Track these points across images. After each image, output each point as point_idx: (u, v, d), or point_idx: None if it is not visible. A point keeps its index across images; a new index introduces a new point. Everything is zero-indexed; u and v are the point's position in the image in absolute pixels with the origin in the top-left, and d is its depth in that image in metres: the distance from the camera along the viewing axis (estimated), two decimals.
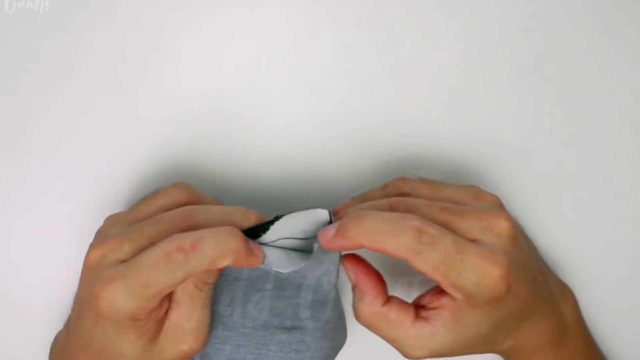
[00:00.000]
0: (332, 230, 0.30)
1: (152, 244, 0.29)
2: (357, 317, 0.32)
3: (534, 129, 0.40)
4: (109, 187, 0.38)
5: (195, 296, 0.31)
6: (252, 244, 0.31)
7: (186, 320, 0.31)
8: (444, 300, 0.31)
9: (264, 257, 0.31)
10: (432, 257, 0.29)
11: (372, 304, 0.31)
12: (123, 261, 0.30)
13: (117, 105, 0.38)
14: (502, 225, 0.31)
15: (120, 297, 0.28)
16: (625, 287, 0.41)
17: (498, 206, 0.34)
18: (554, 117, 0.40)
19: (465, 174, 0.40)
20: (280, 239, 0.33)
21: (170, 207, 0.33)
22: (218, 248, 0.28)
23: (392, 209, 0.32)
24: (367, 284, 0.32)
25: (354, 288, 0.32)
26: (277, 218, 0.33)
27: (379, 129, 0.39)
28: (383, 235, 0.29)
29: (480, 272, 0.29)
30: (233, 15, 0.38)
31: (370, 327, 0.32)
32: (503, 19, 0.39)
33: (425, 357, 0.31)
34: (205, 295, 0.31)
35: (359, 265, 0.32)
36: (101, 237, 0.33)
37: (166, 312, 0.31)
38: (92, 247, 0.31)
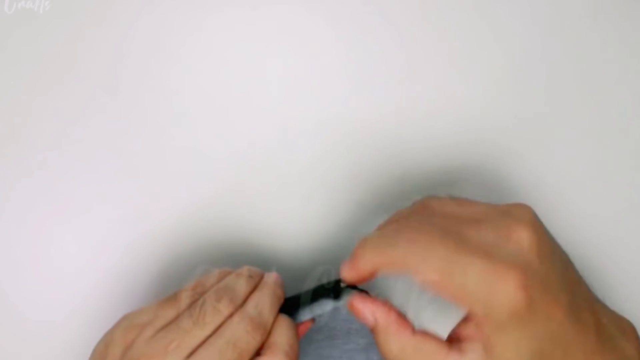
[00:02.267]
0: (345, 268, 0.30)
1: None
2: (387, 355, 0.30)
3: (534, 129, 0.40)
4: (110, 187, 0.38)
5: None
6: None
7: None
8: (472, 328, 0.28)
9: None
10: (432, 260, 0.28)
11: (400, 336, 0.29)
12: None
13: (117, 105, 0.38)
14: (522, 235, 0.28)
15: None
16: None
17: (524, 217, 0.29)
18: (554, 117, 0.40)
19: (465, 173, 0.40)
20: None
21: None
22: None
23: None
24: (387, 317, 0.30)
25: (374, 329, 0.30)
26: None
27: (378, 128, 0.39)
28: (380, 249, 0.29)
29: (489, 275, 0.27)
30: (233, 14, 0.38)
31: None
32: (503, 19, 0.39)
33: None
34: None
35: (370, 301, 0.31)
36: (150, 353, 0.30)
37: None
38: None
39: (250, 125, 0.39)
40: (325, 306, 0.32)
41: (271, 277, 0.33)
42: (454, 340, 0.29)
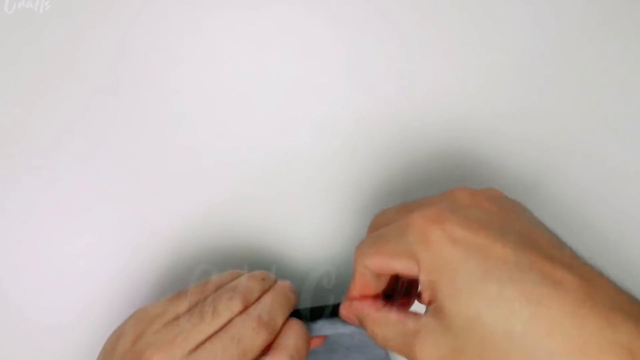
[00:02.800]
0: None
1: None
2: (375, 340, 0.31)
3: (534, 129, 0.40)
4: (111, 187, 0.38)
5: None
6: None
7: None
8: (425, 295, 0.28)
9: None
10: (368, 248, 0.30)
11: (371, 314, 0.31)
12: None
13: (117, 105, 0.38)
14: (452, 193, 0.31)
15: None
16: None
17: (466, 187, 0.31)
18: (554, 117, 0.40)
19: (465, 173, 0.40)
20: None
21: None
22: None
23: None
24: (362, 307, 0.31)
25: (361, 324, 0.32)
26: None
27: (378, 128, 0.39)
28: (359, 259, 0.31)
29: (401, 230, 0.29)
30: (233, 14, 0.38)
31: (373, 337, 0.31)
32: (503, 19, 0.39)
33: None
34: None
35: (349, 305, 0.32)
36: (156, 343, 0.30)
37: None
38: (152, 355, 0.30)
39: (250, 125, 0.39)
40: (346, 327, 0.33)
41: (284, 282, 0.34)
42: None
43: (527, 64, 0.39)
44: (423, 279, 0.28)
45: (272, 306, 0.32)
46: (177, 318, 0.31)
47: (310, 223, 0.40)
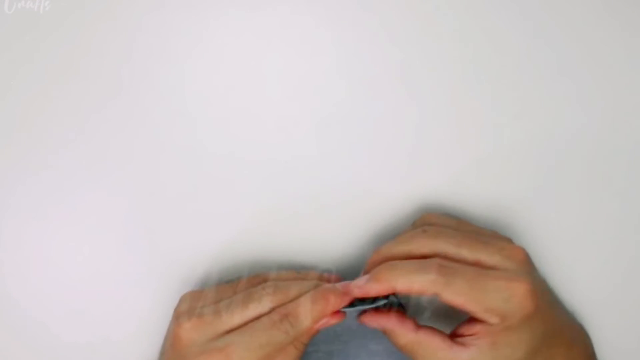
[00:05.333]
0: (363, 279, 0.34)
1: (250, 318, 0.34)
2: (401, 350, 0.35)
3: (534, 130, 0.40)
4: (111, 188, 0.39)
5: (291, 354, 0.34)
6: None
7: None
8: (478, 327, 0.33)
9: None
10: (459, 285, 0.32)
11: (404, 334, 0.34)
12: (228, 332, 0.33)
13: (117, 105, 0.38)
14: (521, 254, 0.34)
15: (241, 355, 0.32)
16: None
17: (507, 239, 0.37)
18: (554, 118, 0.40)
19: (465, 173, 0.40)
20: None
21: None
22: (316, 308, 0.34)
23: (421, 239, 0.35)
24: (392, 322, 0.34)
25: (386, 333, 0.35)
26: None
27: (378, 129, 0.39)
28: (412, 275, 0.33)
29: (506, 292, 0.32)
30: (233, 14, 0.38)
31: (412, 354, 0.34)
32: (503, 19, 0.39)
33: None
34: (299, 354, 0.35)
35: (377, 314, 0.35)
36: (191, 315, 0.34)
37: None
38: (183, 325, 0.33)
39: (250, 125, 0.39)
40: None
41: (326, 287, 0.35)
42: (460, 336, 0.34)
43: (526, 66, 0.39)
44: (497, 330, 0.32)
45: (301, 309, 0.34)
46: (217, 302, 0.34)
47: (310, 223, 0.40)
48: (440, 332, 0.34)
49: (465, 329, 0.33)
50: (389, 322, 0.34)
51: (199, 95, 0.39)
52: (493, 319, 0.32)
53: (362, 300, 0.35)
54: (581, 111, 0.40)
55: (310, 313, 0.34)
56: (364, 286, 0.34)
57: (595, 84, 0.40)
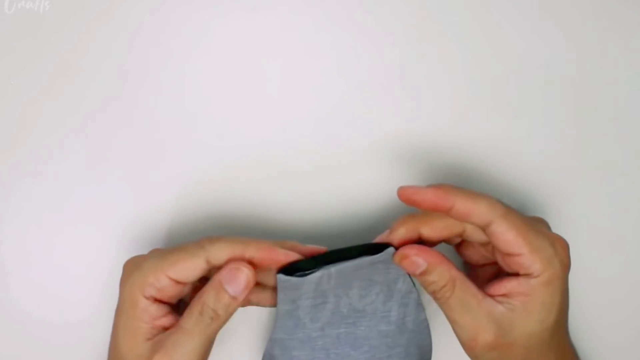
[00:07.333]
0: (416, 187, 0.32)
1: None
2: (435, 293, 0.33)
3: (534, 130, 0.40)
4: (112, 188, 0.39)
5: (202, 324, 0.32)
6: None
7: (184, 349, 0.32)
8: (513, 284, 0.32)
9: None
10: (515, 218, 0.31)
11: (448, 270, 0.32)
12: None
13: (118, 105, 0.38)
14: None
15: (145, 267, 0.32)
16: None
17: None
18: (554, 118, 0.40)
19: (465, 173, 0.40)
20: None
21: None
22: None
23: None
24: (438, 257, 0.32)
25: (424, 272, 0.32)
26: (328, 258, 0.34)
27: (378, 129, 0.39)
28: (477, 198, 0.31)
29: (552, 238, 0.32)
30: (233, 15, 0.38)
31: (445, 301, 0.32)
32: (503, 20, 0.39)
33: (488, 342, 0.32)
34: (211, 329, 0.32)
35: (422, 249, 0.33)
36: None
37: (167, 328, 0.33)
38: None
39: (250, 125, 0.39)
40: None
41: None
42: (492, 296, 0.32)
43: (525, 67, 0.39)
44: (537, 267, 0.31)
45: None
46: None
47: (310, 223, 0.40)
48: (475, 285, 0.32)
49: (495, 289, 0.32)
50: (436, 257, 0.32)
51: (199, 96, 0.39)
52: (536, 266, 0.31)
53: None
54: (582, 113, 0.40)
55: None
56: (425, 198, 0.31)
57: (595, 85, 0.40)
